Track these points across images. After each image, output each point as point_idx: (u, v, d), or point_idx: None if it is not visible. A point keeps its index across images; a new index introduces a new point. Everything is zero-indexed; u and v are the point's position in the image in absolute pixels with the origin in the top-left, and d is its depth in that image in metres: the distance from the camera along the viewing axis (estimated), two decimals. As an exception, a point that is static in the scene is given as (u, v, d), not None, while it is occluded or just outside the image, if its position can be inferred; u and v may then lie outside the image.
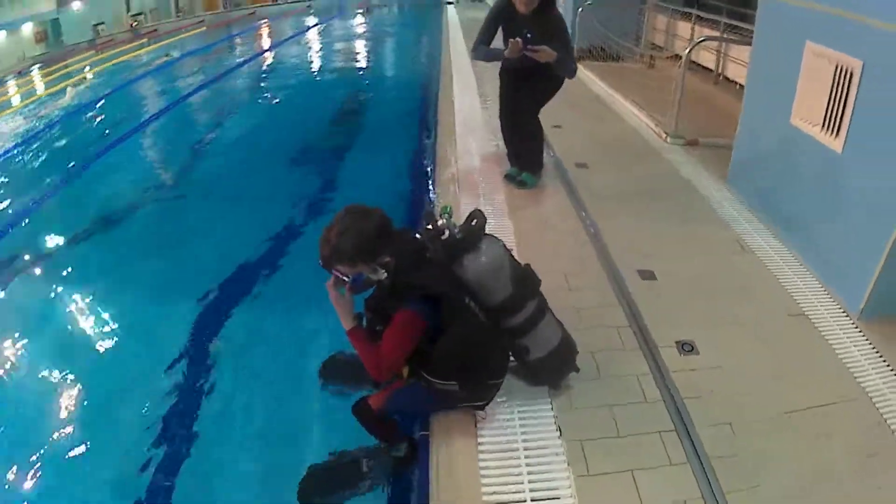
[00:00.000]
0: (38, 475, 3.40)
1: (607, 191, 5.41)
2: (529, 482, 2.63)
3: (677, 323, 3.63)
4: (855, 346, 3.48)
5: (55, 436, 3.67)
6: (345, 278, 2.56)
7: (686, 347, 3.43)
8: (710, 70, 9.13)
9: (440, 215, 2.85)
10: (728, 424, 2.92)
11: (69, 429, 3.73)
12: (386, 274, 2.60)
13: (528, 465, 2.71)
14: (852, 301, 3.75)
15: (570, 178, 5.69)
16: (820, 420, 2.97)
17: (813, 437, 2.88)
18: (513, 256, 2.92)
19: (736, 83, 8.45)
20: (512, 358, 3.03)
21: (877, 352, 3.42)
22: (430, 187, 5.87)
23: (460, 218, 2.95)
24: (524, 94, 5.22)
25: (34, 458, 3.51)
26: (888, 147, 3.48)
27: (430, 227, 2.82)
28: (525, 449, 2.79)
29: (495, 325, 2.85)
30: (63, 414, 3.86)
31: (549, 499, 2.56)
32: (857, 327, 3.62)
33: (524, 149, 5.51)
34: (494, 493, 2.59)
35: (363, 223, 2.55)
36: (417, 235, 2.80)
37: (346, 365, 3.67)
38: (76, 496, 3.30)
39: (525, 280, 2.91)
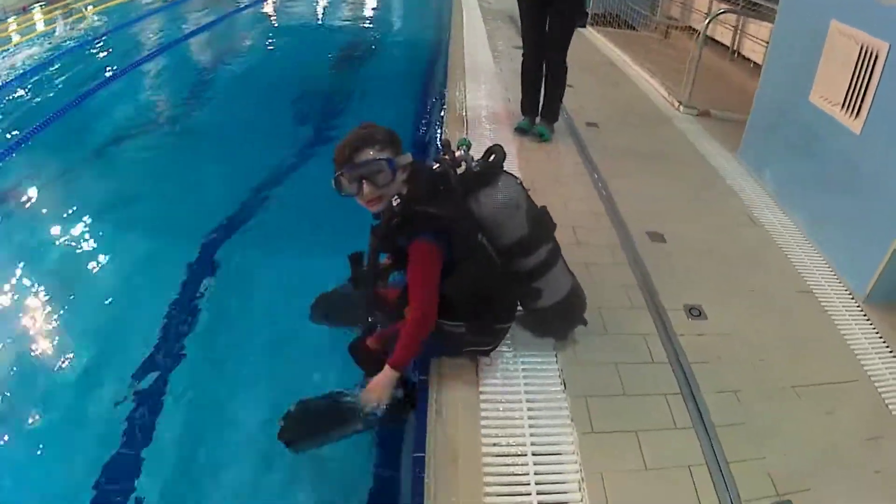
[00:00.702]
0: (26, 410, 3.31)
1: (618, 151, 5.34)
2: (531, 435, 2.55)
3: (686, 287, 3.58)
4: (859, 328, 3.45)
5: (42, 370, 3.57)
6: (380, 158, 2.47)
7: (694, 312, 3.38)
8: (726, 46, 9.00)
9: (458, 147, 2.73)
10: (734, 392, 2.87)
11: (59, 361, 3.63)
12: (398, 199, 2.50)
13: (530, 417, 2.63)
14: (859, 284, 3.71)
15: (580, 136, 5.60)
16: (825, 397, 2.93)
17: (817, 413, 2.84)
18: (529, 196, 2.80)
19: (751, 61, 8.34)
20: (519, 307, 2.95)
21: (880, 336, 3.40)
22: (439, 136, 5.76)
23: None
24: (553, 28, 5.12)
25: (20, 393, 3.41)
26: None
27: (446, 156, 2.70)
28: (528, 401, 2.71)
29: (507, 267, 2.75)
30: (52, 347, 3.75)
31: (551, 454, 2.49)
32: (862, 310, 3.59)
33: (548, 95, 5.41)
34: (495, 444, 2.51)
35: (380, 126, 2.57)
36: (435, 165, 2.69)
37: (339, 299, 3.53)
38: (65, 430, 3.20)
39: (541, 222, 2.81)
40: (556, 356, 2.98)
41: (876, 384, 3.06)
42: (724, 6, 8.63)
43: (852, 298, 3.68)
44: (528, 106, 5.54)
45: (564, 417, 2.65)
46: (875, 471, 2.60)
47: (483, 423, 2.61)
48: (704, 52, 6.53)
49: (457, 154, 2.71)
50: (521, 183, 2.80)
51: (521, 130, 5.46)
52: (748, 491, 2.40)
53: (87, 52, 9.92)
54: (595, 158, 5.16)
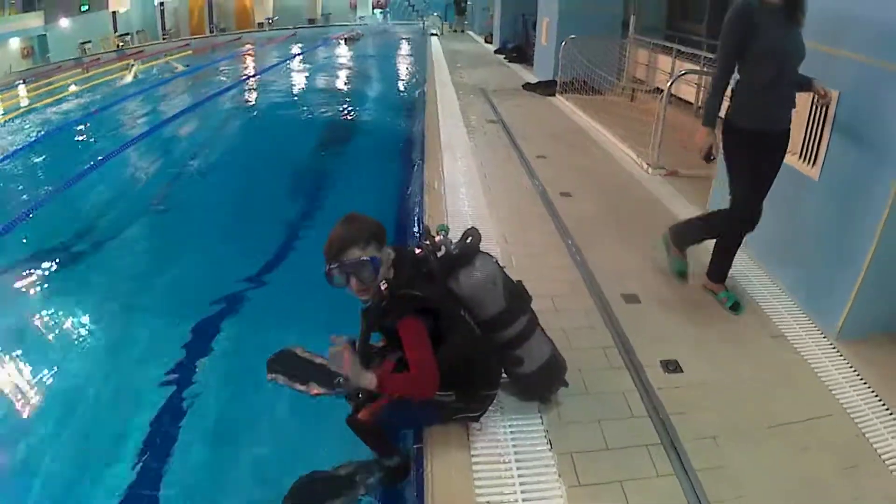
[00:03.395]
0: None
1: (591, 218, 5.54)
2: (522, 493, 2.71)
3: (661, 343, 3.75)
4: (832, 364, 3.60)
5: (34, 454, 3.65)
6: (365, 258, 2.67)
7: (670, 366, 3.54)
8: (690, 103, 9.34)
9: (437, 232, 3.00)
10: (713, 438, 3.02)
11: (54, 443, 3.72)
12: (386, 284, 2.71)
13: (520, 476, 2.79)
14: (829, 323, 3.87)
15: (554, 206, 5.81)
16: (801, 434, 3.08)
17: (795, 449, 2.98)
18: (506, 273, 3.05)
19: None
20: (504, 375, 3.13)
21: (853, 370, 3.55)
22: (418, 214, 5.95)
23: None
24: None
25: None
26: (861, 174, 3.64)
27: (427, 242, 2.96)
28: (517, 461, 2.87)
29: (489, 338, 2.96)
30: (48, 425, 3.85)
31: (541, 509, 2.63)
32: (834, 347, 3.75)
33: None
34: (488, 503, 2.66)
35: (365, 218, 2.78)
36: (417, 250, 2.93)
37: (296, 360, 3.53)
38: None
39: (518, 296, 3.05)
40: (541, 417, 3.14)
41: (851, 415, 3.21)
42: (686, 66, 8.97)
43: (824, 337, 3.84)
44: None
45: (552, 474, 2.81)
46: (853, 497, 2.74)
47: (476, 483, 2.77)
48: (670, 111, 6.78)
49: (437, 239, 2.98)
50: (497, 261, 3.06)
51: (736, 306, 4.18)
52: (731, 530, 2.54)
53: (73, 133, 10.07)
54: (569, 227, 5.34)
